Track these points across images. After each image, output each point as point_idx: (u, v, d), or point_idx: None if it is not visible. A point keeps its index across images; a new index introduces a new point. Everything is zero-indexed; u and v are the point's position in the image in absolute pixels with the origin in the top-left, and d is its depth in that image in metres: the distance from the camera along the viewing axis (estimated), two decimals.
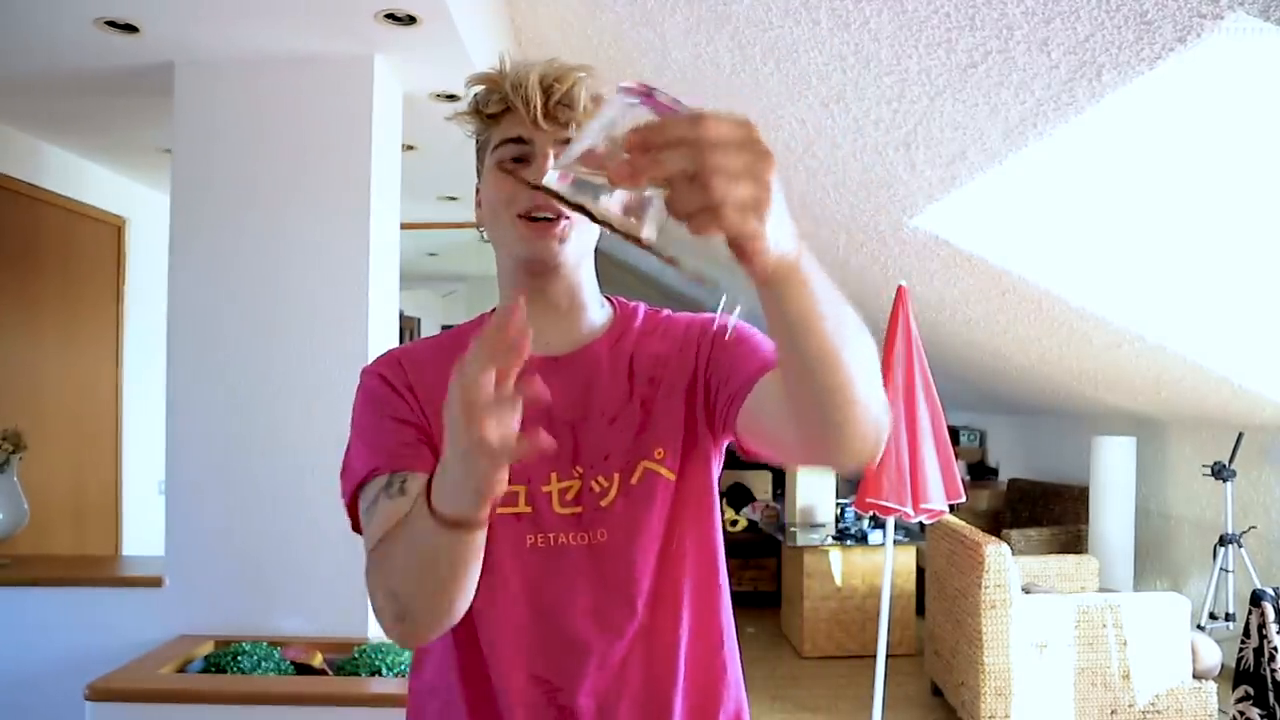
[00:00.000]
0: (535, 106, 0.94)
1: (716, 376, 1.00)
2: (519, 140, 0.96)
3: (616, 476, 0.98)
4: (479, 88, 0.99)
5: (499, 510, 0.94)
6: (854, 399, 0.73)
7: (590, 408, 0.99)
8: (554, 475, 0.97)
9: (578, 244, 0.98)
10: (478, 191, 1.04)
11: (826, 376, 0.71)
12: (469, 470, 0.71)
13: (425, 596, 0.84)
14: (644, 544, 0.98)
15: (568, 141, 0.92)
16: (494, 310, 1.02)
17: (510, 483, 0.81)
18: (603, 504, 0.98)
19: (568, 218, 0.95)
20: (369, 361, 1.09)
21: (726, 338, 1.02)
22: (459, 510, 0.75)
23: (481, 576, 0.85)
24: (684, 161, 0.58)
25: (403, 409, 0.99)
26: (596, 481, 0.98)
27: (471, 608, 0.87)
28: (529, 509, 0.97)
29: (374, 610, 0.90)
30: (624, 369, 1.02)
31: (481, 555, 0.81)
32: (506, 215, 0.97)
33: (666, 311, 1.10)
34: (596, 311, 1.06)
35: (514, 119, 0.96)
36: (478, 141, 1.02)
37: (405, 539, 0.84)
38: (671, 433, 1.00)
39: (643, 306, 1.11)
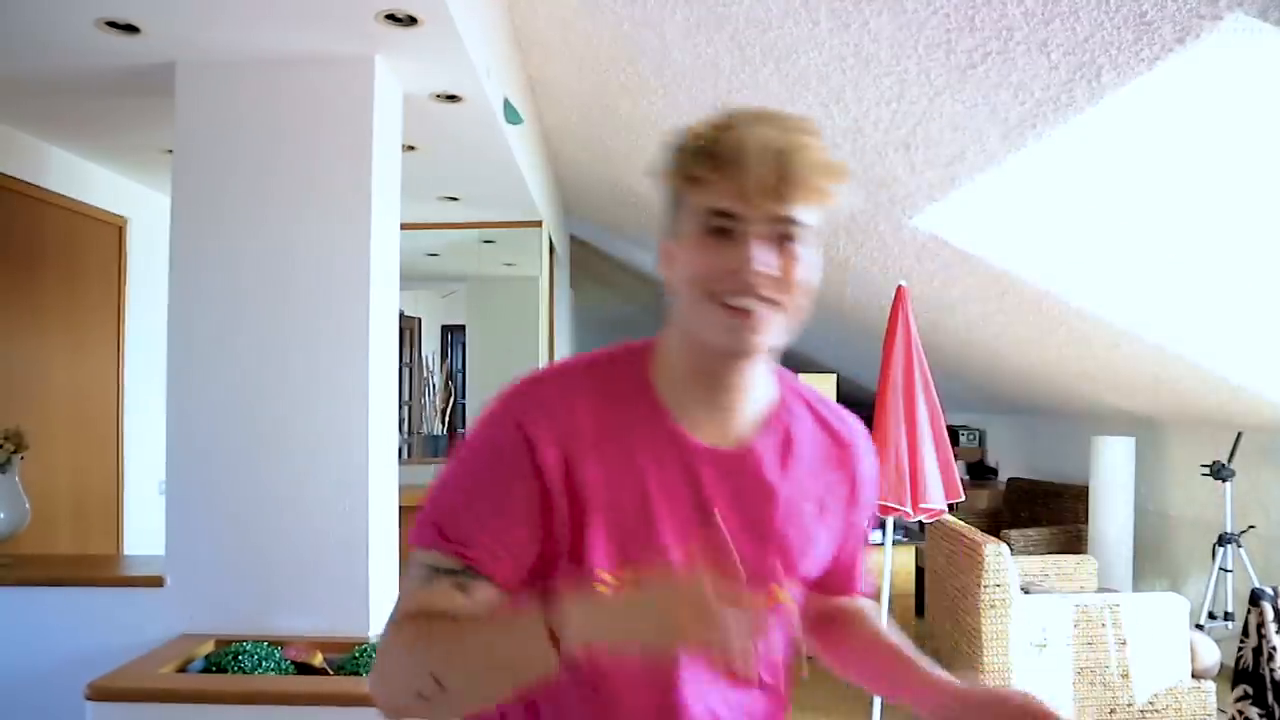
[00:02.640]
0: (757, 181, 0.82)
1: (845, 544, 1.06)
2: (729, 214, 0.84)
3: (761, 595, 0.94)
4: (691, 141, 0.86)
5: None
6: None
7: (744, 514, 0.94)
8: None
9: (778, 335, 0.89)
10: (667, 243, 0.92)
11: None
12: (663, 634, 0.76)
13: (477, 694, 0.85)
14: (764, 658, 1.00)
15: (783, 219, 0.84)
16: (648, 347, 0.97)
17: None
18: None
19: (774, 306, 0.86)
20: (514, 390, 0.94)
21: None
22: (594, 645, 0.78)
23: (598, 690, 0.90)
24: None
25: (524, 498, 0.88)
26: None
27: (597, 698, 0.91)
28: None
29: (381, 669, 0.87)
30: (786, 486, 0.97)
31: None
32: (704, 292, 0.87)
33: (817, 406, 1.04)
34: (761, 389, 0.98)
35: (727, 186, 0.84)
36: (674, 190, 0.90)
37: (484, 638, 0.83)
38: (805, 567, 1.01)
39: (793, 388, 1.03)
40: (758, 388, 0.96)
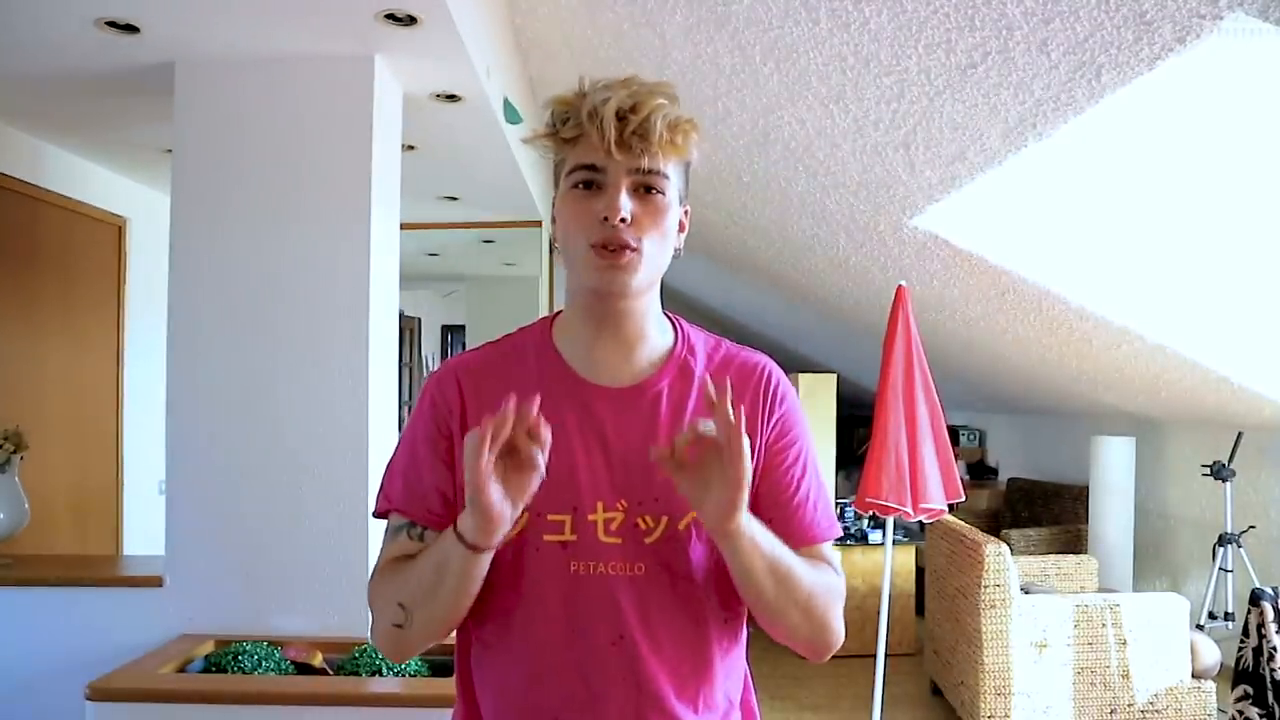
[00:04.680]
0: (610, 136, 0.94)
1: (758, 487, 1.04)
2: (592, 168, 0.97)
3: (665, 519, 1.00)
4: (556, 108, 0.99)
5: (545, 537, 1.00)
6: (787, 626, 1.00)
7: (640, 443, 1.00)
8: (600, 505, 1.00)
9: (646, 274, 1.00)
10: (554, 208, 1.04)
11: (762, 612, 0.99)
12: (477, 517, 0.90)
13: (429, 607, 0.98)
14: (678, 585, 1.01)
15: (640, 170, 0.96)
16: (558, 314, 1.10)
17: (555, 512, 0.99)
18: (646, 541, 1.00)
19: (636, 249, 0.97)
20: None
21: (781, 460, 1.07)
22: (474, 538, 0.91)
23: (524, 595, 1.00)
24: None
25: (442, 444, 1.04)
26: (643, 519, 1.00)
27: (514, 625, 1.01)
28: (574, 536, 1.00)
29: (373, 616, 1.04)
30: (683, 414, 1.03)
31: (481, 579, 0.96)
32: (579, 242, 0.98)
33: (725, 347, 1.11)
34: (658, 338, 1.08)
35: (589, 144, 0.96)
36: (555, 161, 1.02)
37: (425, 559, 0.98)
38: None
39: (702, 337, 1.12)
40: (651, 332, 1.06)
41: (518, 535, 0.98)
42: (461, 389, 1.05)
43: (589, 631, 0.99)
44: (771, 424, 1.06)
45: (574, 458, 1.00)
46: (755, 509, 0.98)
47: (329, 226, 2.50)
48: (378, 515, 1.08)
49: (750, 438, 0.97)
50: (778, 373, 1.10)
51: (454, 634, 1.08)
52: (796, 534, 1.04)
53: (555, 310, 1.14)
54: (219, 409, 2.50)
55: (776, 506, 1.04)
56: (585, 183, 0.97)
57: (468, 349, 1.14)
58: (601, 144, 0.95)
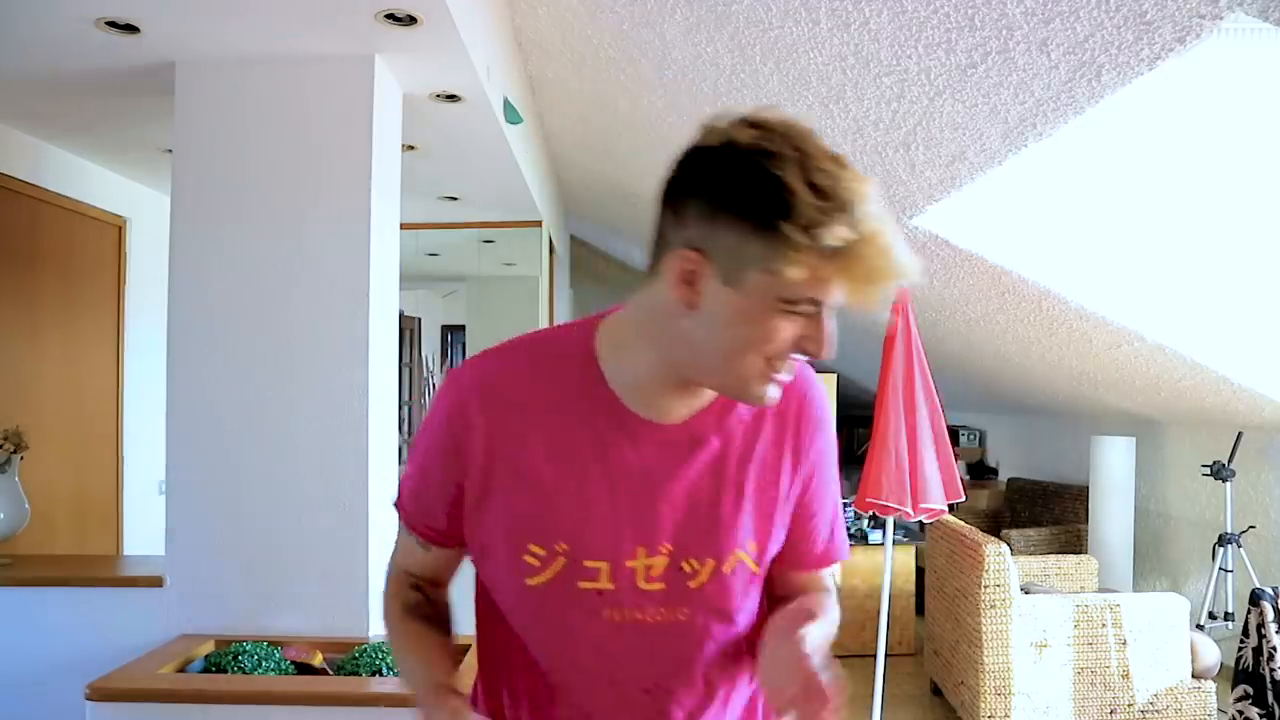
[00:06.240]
0: (872, 296, 0.80)
1: (795, 518, 1.02)
2: (816, 302, 0.82)
3: (710, 563, 0.96)
4: (823, 205, 0.78)
5: (581, 584, 0.94)
6: None
7: (688, 485, 0.95)
8: (641, 550, 0.94)
9: None
10: (691, 263, 0.83)
11: None
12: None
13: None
14: (721, 627, 0.99)
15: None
16: (602, 319, 0.97)
17: (594, 559, 0.93)
18: (690, 585, 0.96)
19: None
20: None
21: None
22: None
23: (555, 641, 0.97)
24: None
25: (455, 470, 0.96)
26: (688, 563, 0.95)
27: (547, 672, 0.99)
28: (611, 585, 0.94)
29: (384, 622, 1.09)
30: (732, 452, 0.97)
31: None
32: (756, 355, 0.84)
33: None
34: None
35: (831, 268, 0.79)
36: (751, 235, 0.80)
37: (406, 660, 1.03)
38: (763, 532, 0.99)
39: None
40: None
41: (552, 579, 0.94)
42: (485, 417, 0.94)
43: (621, 681, 0.98)
44: (805, 458, 1.01)
45: (617, 500, 0.93)
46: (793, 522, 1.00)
47: (329, 226, 2.50)
48: (394, 507, 1.08)
49: (783, 474, 0.98)
50: (814, 393, 1.02)
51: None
52: (812, 558, 1.04)
53: (596, 312, 1.00)
54: (219, 409, 2.50)
55: (795, 528, 1.02)
56: (798, 309, 0.82)
57: (498, 349, 0.99)
58: (853, 288, 0.80)
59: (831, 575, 1.08)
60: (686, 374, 0.91)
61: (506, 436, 0.94)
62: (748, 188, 0.79)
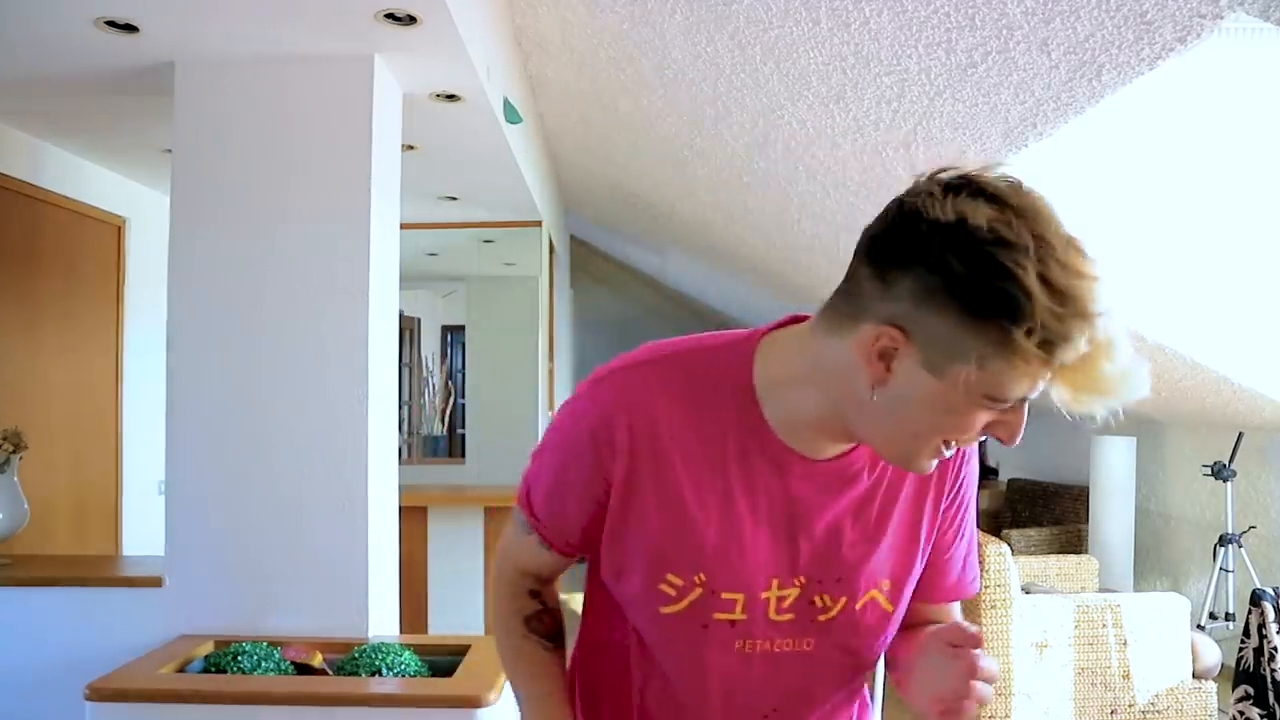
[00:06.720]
0: (1091, 403, 0.77)
1: (933, 550, 1.01)
2: (1024, 399, 0.78)
3: (843, 600, 0.95)
4: (1063, 312, 0.72)
5: (715, 615, 0.92)
6: None
7: (831, 520, 0.93)
8: (775, 582, 0.93)
9: None
10: (893, 342, 0.78)
11: None
12: None
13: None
14: (845, 660, 0.99)
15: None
16: (763, 338, 0.92)
17: (731, 590, 0.91)
18: (820, 619, 0.95)
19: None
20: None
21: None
22: None
23: (685, 667, 0.95)
24: None
25: (599, 486, 0.92)
26: (820, 598, 0.94)
27: (678, 696, 0.98)
28: (744, 616, 0.93)
29: (496, 628, 1.10)
30: (880, 492, 0.95)
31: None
32: (934, 434, 0.82)
33: None
34: None
35: (1055, 375, 0.76)
36: (971, 329, 0.74)
37: (522, 689, 1.06)
38: (902, 570, 0.98)
39: None
40: None
41: (687, 609, 0.92)
42: (632, 437, 0.90)
43: (745, 706, 0.98)
44: (950, 495, 0.99)
45: (759, 533, 0.92)
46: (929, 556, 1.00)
47: (329, 226, 2.50)
48: (517, 504, 1.03)
49: (926, 512, 0.97)
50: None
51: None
52: (943, 591, 1.03)
53: (758, 328, 0.95)
54: (219, 409, 2.50)
55: (931, 560, 1.00)
56: (1003, 406, 0.79)
57: (649, 359, 0.93)
58: (1078, 401, 0.77)
59: (958, 609, 1.07)
60: (853, 430, 0.87)
61: (653, 459, 0.90)
62: (978, 281, 0.73)
